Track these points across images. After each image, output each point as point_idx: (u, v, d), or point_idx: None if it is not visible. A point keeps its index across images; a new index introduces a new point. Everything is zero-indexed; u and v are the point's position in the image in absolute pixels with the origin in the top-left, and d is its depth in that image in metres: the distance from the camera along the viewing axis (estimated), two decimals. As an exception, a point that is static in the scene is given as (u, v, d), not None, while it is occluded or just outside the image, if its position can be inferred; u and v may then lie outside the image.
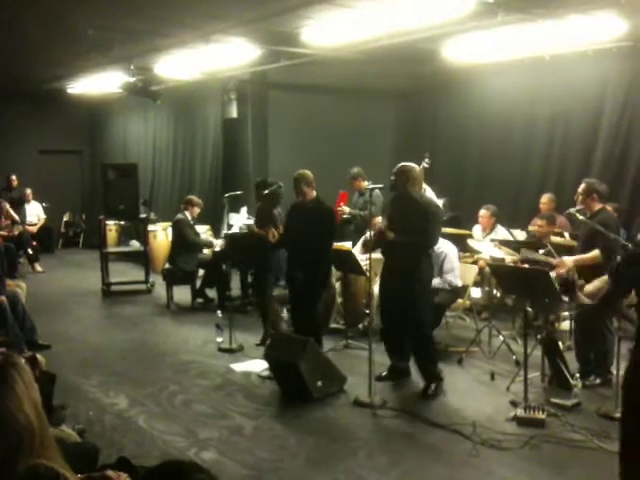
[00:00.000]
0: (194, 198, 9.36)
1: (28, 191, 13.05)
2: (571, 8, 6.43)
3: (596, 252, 5.51)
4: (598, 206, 5.67)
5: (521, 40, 7.52)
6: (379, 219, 7.38)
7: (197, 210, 9.23)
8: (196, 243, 9.02)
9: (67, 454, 2.36)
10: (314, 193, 6.24)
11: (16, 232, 11.61)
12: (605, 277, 5.34)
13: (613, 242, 5.33)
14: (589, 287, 5.48)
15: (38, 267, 11.71)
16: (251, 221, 8.92)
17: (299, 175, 6.21)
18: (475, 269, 7.09)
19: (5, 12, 6.93)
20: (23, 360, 2.45)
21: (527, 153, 9.37)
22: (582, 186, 5.76)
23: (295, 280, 6.18)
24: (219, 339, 7.08)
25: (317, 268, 6.09)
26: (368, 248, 5.77)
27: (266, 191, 7.18)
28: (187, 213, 9.11)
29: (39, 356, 4.39)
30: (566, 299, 5.43)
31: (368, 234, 5.68)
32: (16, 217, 11.97)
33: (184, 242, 8.91)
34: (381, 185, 5.93)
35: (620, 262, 4.40)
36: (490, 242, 7.05)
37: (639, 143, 8.16)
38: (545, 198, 8.05)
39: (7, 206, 11.81)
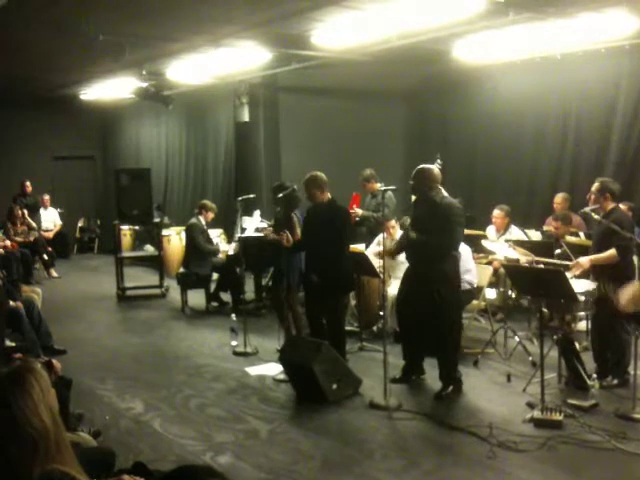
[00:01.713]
0: (208, 203, 9.34)
1: (46, 197, 13.14)
2: (582, 6, 6.40)
3: (612, 251, 5.47)
4: (611, 205, 5.61)
5: (532, 39, 7.49)
6: (392, 221, 7.36)
7: (211, 215, 9.21)
8: (204, 250, 8.97)
9: (83, 459, 2.37)
10: (327, 195, 6.19)
11: (32, 238, 11.69)
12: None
13: (628, 241, 5.29)
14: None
15: (53, 273, 11.77)
16: (264, 224, 8.90)
17: (308, 178, 6.16)
18: (490, 270, 7.07)
19: (17, 18, 6.99)
20: (39, 365, 2.47)
21: (539, 153, 9.30)
22: (595, 185, 5.71)
23: (309, 283, 6.16)
24: (234, 343, 7.09)
25: (335, 271, 5.99)
26: (390, 252, 5.71)
27: (280, 195, 7.12)
28: (201, 218, 9.09)
29: (55, 361, 4.42)
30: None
31: (381, 237, 5.62)
32: (32, 223, 12.06)
33: (196, 247, 8.93)
34: (393, 187, 5.90)
35: None
36: (504, 243, 7.01)
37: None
38: (559, 198, 8.01)
39: (24, 212, 11.88)
